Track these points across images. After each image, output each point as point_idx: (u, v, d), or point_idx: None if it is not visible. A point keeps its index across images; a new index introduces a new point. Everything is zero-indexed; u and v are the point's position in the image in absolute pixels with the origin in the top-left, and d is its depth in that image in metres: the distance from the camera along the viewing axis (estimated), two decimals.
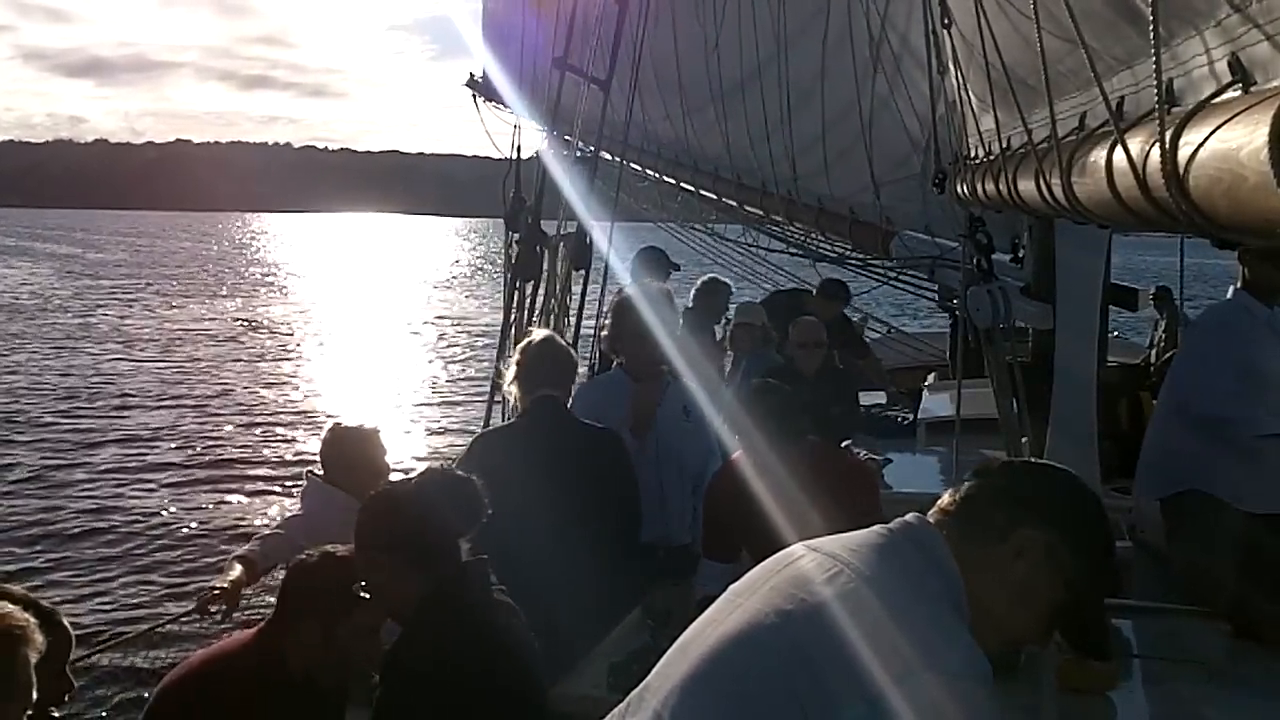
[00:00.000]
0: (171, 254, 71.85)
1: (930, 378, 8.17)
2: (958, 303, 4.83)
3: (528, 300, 6.29)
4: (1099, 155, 1.74)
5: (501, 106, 10.32)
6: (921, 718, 1.42)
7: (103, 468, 12.95)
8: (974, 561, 1.63)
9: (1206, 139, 1.30)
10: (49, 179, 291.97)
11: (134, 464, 13.18)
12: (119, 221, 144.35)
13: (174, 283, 45.45)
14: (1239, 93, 1.37)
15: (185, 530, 10.56)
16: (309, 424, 15.57)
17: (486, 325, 27.98)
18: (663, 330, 4.33)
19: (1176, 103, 1.54)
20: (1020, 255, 5.28)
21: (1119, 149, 1.61)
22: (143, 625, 7.03)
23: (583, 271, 6.11)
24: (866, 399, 7.00)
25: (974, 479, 1.72)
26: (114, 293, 39.48)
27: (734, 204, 8.76)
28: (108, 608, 8.46)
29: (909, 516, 1.70)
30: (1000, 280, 4.16)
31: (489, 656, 2.49)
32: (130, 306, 34.42)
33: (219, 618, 3.71)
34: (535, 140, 7.59)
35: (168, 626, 6.18)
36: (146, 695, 2.81)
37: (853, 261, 7.35)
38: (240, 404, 17.66)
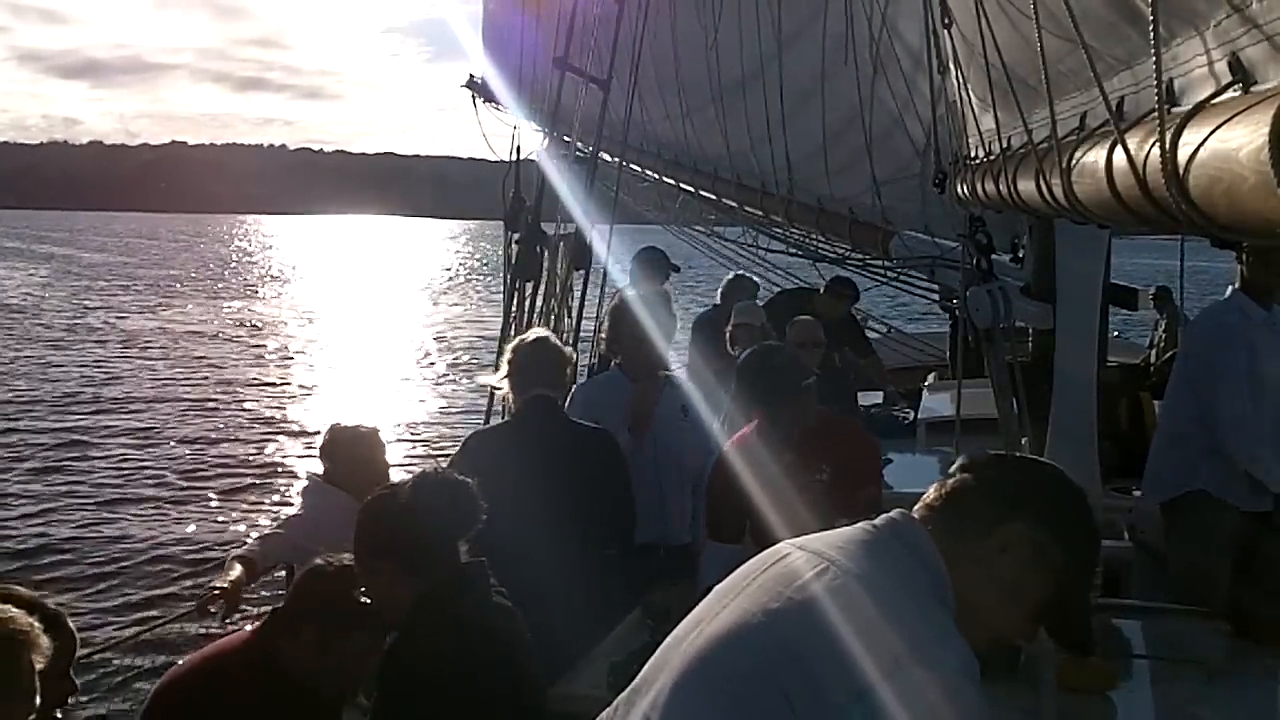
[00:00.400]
0: (168, 256, 71.80)
1: (930, 378, 8.16)
2: (958, 303, 4.83)
3: (528, 300, 6.29)
4: (1099, 155, 1.74)
5: (500, 108, 10.33)
6: (912, 713, 1.42)
7: (102, 468, 12.95)
8: (960, 557, 1.62)
9: (1206, 139, 1.30)
10: (44, 180, 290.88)
11: (134, 464, 13.18)
12: (114, 223, 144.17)
13: (172, 284, 45.42)
14: (1239, 93, 1.37)
15: (185, 530, 10.56)
16: (309, 424, 15.57)
17: (485, 326, 27.98)
18: (660, 333, 4.33)
19: (1176, 103, 1.54)
20: (1020, 255, 5.28)
21: (1119, 149, 1.61)
22: (143, 625, 7.03)
23: (582, 272, 6.11)
24: (866, 399, 7.00)
25: (959, 474, 1.71)
26: (112, 294, 39.47)
27: (734, 204, 8.75)
28: (108, 608, 8.47)
29: (894, 513, 1.69)
30: (1000, 280, 4.16)
31: (487, 659, 2.49)
32: (128, 308, 34.41)
33: (219, 617, 3.71)
34: (534, 141, 7.60)
35: (168, 626, 6.18)
36: (146, 695, 2.81)
37: (852, 262, 7.34)
38: (240, 404, 17.67)
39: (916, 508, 1.70)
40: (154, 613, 7.90)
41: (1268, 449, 4.13)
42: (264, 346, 25.98)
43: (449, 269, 65.48)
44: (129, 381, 19.56)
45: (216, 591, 3.60)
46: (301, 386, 19.88)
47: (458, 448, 3.95)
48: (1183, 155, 1.35)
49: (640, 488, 3.98)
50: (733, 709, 1.53)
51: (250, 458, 13.76)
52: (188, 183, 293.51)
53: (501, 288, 7.29)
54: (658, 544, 4.20)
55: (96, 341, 25.47)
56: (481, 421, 6.34)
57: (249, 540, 4.33)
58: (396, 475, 3.88)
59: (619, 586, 3.67)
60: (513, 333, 6.12)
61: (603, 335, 5.00)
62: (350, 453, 4.02)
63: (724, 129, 8.17)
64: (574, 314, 6.06)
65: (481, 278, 52.43)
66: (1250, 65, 1.37)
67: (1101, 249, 4.57)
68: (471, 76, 11.76)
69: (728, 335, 6.15)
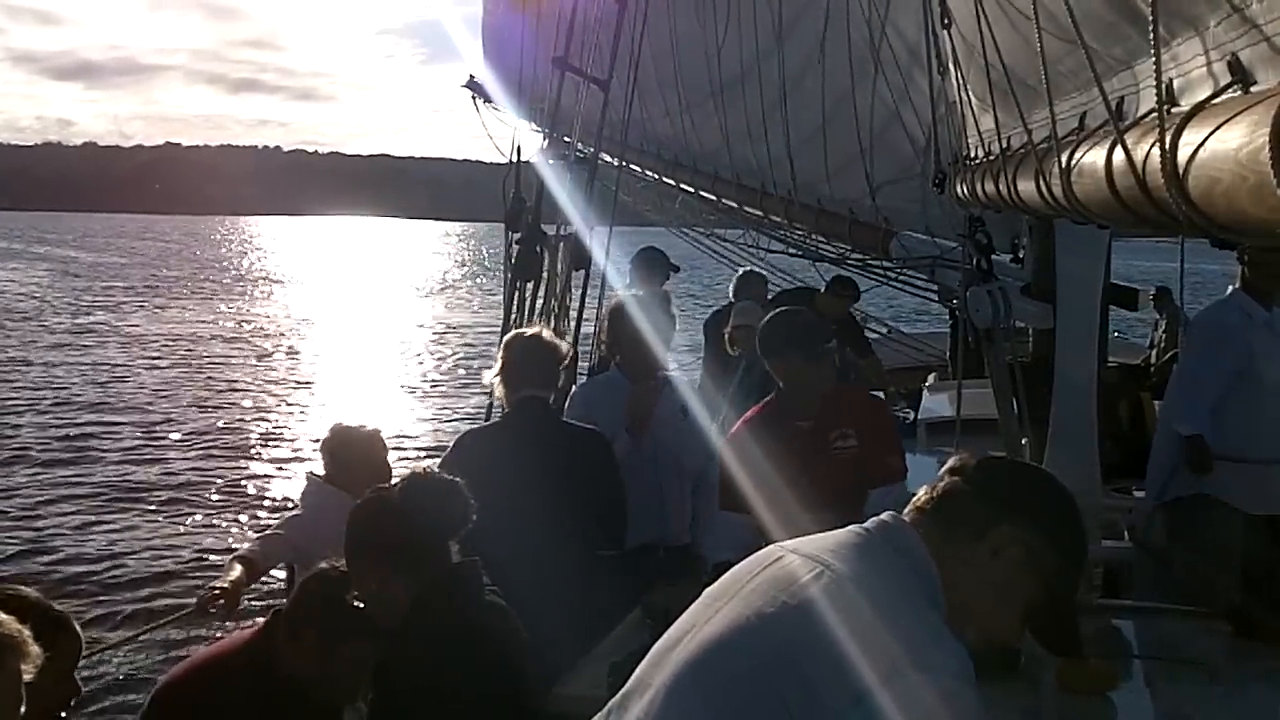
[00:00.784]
0: (163, 257, 71.63)
1: (930, 378, 8.16)
2: (958, 303, 4.82)
3: (528, 301, 6.29)
4: (1099, 155, 1.74)
5: (500, 108, 10.32)
6: (909, 718, 1.42)
7: (102, 468, 12.94)
8: (951, 559, 1.63)
9: (1206, 139, 1.30)
10: (38, 182, 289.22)
11: (134, 464, 13.18)
12: (109, 224, 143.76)
13: (170, 286, 45.35)
14: (1239, 93, 1.37)
15: (185, 530, 10.56)
16: (309, 424, 15.57)
17: (484, 326, 27.98)
18: (659, 334, 4.32)
19: (1176, 103, 1.54)
20: (1020, 255, 5.28)
21: (1119, 149, 1.61)
22: (143, 625, 7.03)
23: (583, 272, 6.11)
24: None
25: (949, 477, 1.72)
26: (109, 295, 39.41)
27: (734, 205, 8.74)
28: (107, 608, 8.46)
29: (885, 515, 1.70)
30: (1000, 280, 4.16)
31: (481, 659, 2.49)
32: (126, 309, 34.38)
33: (219, 618, 3.71)
34: (533, 142, 7.60)
35: (168, 626, 6.17)
36: (146, 695, 2.81)
37: (852, 262, 7.34)
38: (240, 404, 17.66)
39: (907, 510, 1.71)
40: (154, 613, 7.89)
41: (1205, 425, 4.18)
42: (264, 347, 25.97)
43: (446, 270, 65.45)
44: (128, 382, 19.55)
45: (216, 592, 3.60)
46: (302, 387, 19.87)
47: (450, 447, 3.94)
48: (1182, 155, 1.35)
49: (640, 488, 3.98)
50: (729, 713, 1.53)
51: (250, 458, 13.76)
52: (182, 184, 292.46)
53: (499, 288, 7.29)
54: (657, 544, 4.20)
55: (97, 342, 25.46)
56: (482, 420, 6.33)
57: (249, 540, 4.33)
58: (397, 476, 3.88)
59: (613, 587, 3.66)
60: None
61: (602, 336, 5.00)
62: (351, 453, 4.02)
63: (724, 129, 8.17)
64: (574, 314, 6.06)
65: (478, 279, 52.41)
66: (1250, 66, 1.37)
67: (1101, 249, 4.57)
68: (472, 77, 11.76)
69: (727, 336, 6.15)
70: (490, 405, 6.45)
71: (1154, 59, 1.42)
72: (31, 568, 9.28)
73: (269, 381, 20.32)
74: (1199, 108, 1.40)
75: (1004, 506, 1.66)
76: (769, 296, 7.25)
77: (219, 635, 4.60)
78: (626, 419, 4.24)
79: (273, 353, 24.96)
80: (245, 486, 12.37)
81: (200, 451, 14.04)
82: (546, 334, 3.96)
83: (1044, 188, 2.16)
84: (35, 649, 1.91)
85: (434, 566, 2.53)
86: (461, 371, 21.72)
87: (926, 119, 5.18)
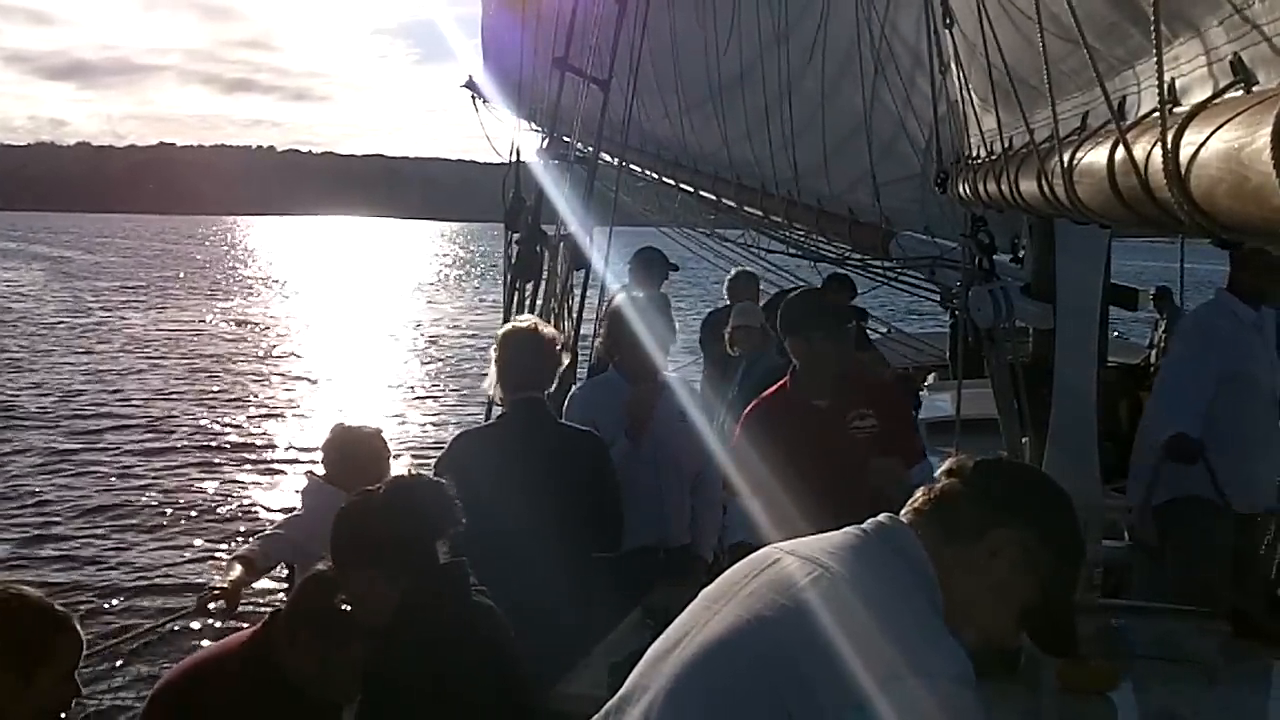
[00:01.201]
0: (158, 257, 71.61)
1: (930, 378, 8.16)
2: (958, 303, 4.82)
3: (527, 301, 6.28)
4: (1101, 155, 1.74)
5: (499, 108, 10.32)
6: None
7: (101, 469, 12.94)
8: (949, 561, 1.63)
9: (1208, 139, 1.30)
10: (31, 182, 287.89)
11: (131, 465, 13.18)
12: (103, 225, 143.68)
13: (165, 285, 45.35)
14: (1240, 93, 1.37)
15: (184, 531, 10.56)
16: (308, 424, 15.57)
17: (482, 326, 27.96)
18: (658, 336, 4.31)
19: (1178, 103, 1.54)
20: (1020, 255, 5.28)
21: (1121, 149, 1.61)
22: (143, 625, 7.03)
23: (583, 272, 6.10)
24: None
25: (947, 478, 1.72)
26: (106, 295, 39.40)
27: (734, 205, 8.74)
28: (106, 608, 8.46)
29: (882, 517, 1.70)
30: (1002, 280, 4.16)
31: (470, 659, 2.48)
32: (126, 309, 34.38)
33: (219, 618, 3.71)
34: (530, 143, 7.60)
35: (168, 626, 6.18)
36: (145, 696, 2.81)
37: (852, 262, 7.34)
38: (239, 404, 17.67)
39: (904, 512, 1.71)
40: (154, 613, 7.90)
41: (1193, 426, 4.18)
42: (262, 347, 25.98)
43: (442, 270, 65.43)
44: (127, 383, 19.54)
45: (216, 592, 3.60)
46: (301, 387, 19.87)
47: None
48: (1184, 155, 1.35)
49: (640, 490, 3.97)
50: (728, 716, 1.53)
51: (250, 458, 13.77)
52: (176, 184, 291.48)
53: (495, 288, 7.30)
54: (657, 546, 4.20)
55: (95, 342, 25.45)
56: (481, 420, 6.33)
57: (249, 540, 4.32)
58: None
59: (613, 588, 3.66)
60: None
61: (600, 339, 4.99)
62: (352, 453, 4.01)
63: (724, 129, 8.17)
64: (574, 314, 6.06)
65: (474, 278, 52.39)
66: (1251, 65, 1.37)
67: (1101, 249, 4.57)
68: (470, 77, 11.76)
69: (726, 336, 6.14)
70: (489, 405, 6.45)
71: (1156, 59, 1.42)
72: (32, 568, 9.29)
73: (268, 381, 20.32)
74: (1200, 107, 1.40)
75: (1002, 508, 1.66)
76: (770, 297, 7.25)
77: (219, 635, 4.60)
78: (626, 420, 4.23)
79: (271, 352, 24.97)
80: (245, 486, 12.37)
81: (200, 451, 14.05)
82: (543, 328, 3.88)
83: (1046, 187, 2.16)
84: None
85: (421, 567, 2.52)
86: (460, 371, 21.72)
87: (927, 119, 5.18)
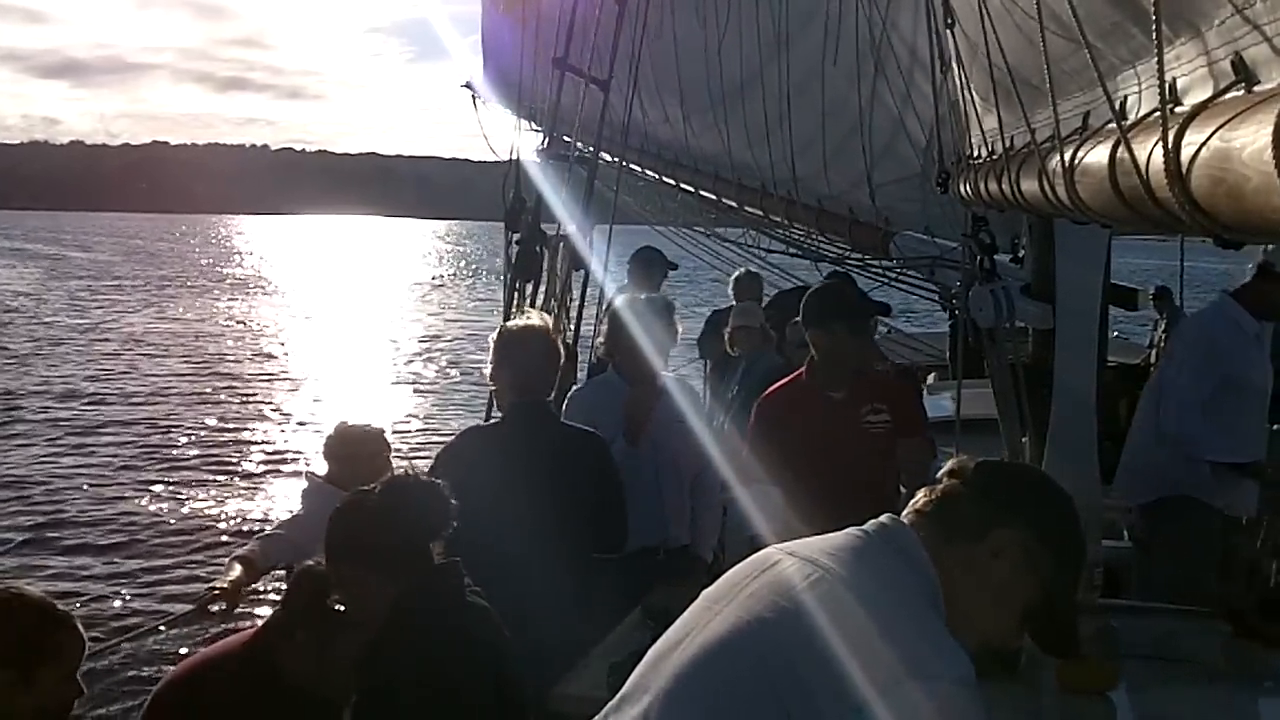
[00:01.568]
0: (152, 256, 71.53)
1: (930, 378, 8.16)
2: (958, 303, 4.82)
3: (527, 300, 6.28)
4: (1102, 155, 1.74)
5: (498, 108, 10.32)
6: None
7: (100, 469, 12.94)
8: (950, 561, 1.63)
9: (1209, 139, 1.30)
10: (24, 180, 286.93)
11: (132, 466, 13.18)
12: (97, 223, 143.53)
13: (162, 285, 45.32)
14: (1242, 93, 1.37)
15: (184, 531, 10.56)
16: (308, 424, 15.57)
17: (480, 325, 27.95)
18: (658, 338, 4.31)
19: (1180, 102, 1.54)
20: (1020, 255, 5.27)
21: (1122, 148, 1.61)
22: (143, 625, 7.03)
23: (583, 272, 6.11)
24: None
25: (948, 479, 1.72)
26: (103, 294, 39.37)
27: (734, 205, 8.74)
28: (106, 608, 8.46)
29: (884, 518, 1.70)
30: (1003, 280, 4.16)
31: (464, 660, 2.48)
32: (124, 308, 34.37)
33: (219, 618, 3.71)
34: (528, 143, 7.59)
35: (168, 626, 6.18)
36: (145, 696, 2.81)
37: (852, 262, 7.34)
38: (239, 405, 17.67)
39: (905, 512, 1.71)
40: (153, 613, 7.90)
41: (1200, 427, 4.18)
42: (260, 346, 25.97)
43: (437, 268, 65.37)
44: (127, 382, 19.54)
45: (216, 592, 3.60)
46: (300, 386, 19.86)
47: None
48: (1185, 155, 1.35)
49: (639, 491, 3.96)
50: (728, 717, 1.53)
51: (250, 458, 13.77)
52: (169, 183, 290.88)
53: (492, 286, 7.31)
54: (657, 546, 4.20)
55: (93, 341, 25.44)
56: (481, 420, 6.33)
57: (249, 541, 4.32)
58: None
59: (608, 588, 3.65)
60: None
61: (599, 340, 4.98)
62: (354, 453, 4.02)
63: (724, 129, 8.16)
64: (574, 314, 6.06)
65: (470, 277, 52.35)
66: (1253, 65, 1.37)
67: (1101, 249, 4.57)
68: (470, 79, 11.76)
69: (726, 337, 6.15)
70: (490, 405, 6.45)
71: (1157, 58, 1.42)
72: (33, 568, 9.28)
73: (267, 381, 20.32)
74: (1202, 107, 1.40)
75: (1004, 509, 1.66)
76: (770, 297, 7.26)
77: (219, 635, 4.60)
78: (625, 421, 4.23)
79: (270, 352, 24.96)
80: (245, 486, 12.37)
81: (200, 451, 14.04)
82: (541, 325, 3.84)
83: (1047, 187, 2.15)
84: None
85: (415, 568, 2.52)
86: (459, 371, 21.72)
87: (928, 118, 5.18)
